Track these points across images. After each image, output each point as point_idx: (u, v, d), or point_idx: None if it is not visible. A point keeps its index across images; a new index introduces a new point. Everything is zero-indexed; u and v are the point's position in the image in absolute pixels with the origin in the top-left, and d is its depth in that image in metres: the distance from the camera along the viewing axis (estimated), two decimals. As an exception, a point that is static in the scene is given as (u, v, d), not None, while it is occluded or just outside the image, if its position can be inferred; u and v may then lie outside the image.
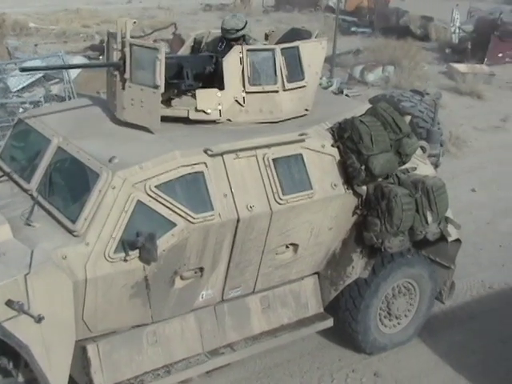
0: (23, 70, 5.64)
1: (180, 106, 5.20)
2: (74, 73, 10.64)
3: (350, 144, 5.19)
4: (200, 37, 5.94)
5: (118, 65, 4.96)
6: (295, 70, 5.42)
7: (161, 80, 4.75)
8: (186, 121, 5.14)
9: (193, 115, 5.13)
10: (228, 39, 5.59)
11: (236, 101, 5.21)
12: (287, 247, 5.29)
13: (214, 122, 5.19)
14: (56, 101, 10.13)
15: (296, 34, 5.88)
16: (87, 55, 14.90)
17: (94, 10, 24.59)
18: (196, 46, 5.89)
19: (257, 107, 5.29)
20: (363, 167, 5.16)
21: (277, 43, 5.76)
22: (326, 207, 5.24)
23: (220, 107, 5.16)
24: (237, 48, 5.17)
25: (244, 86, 5.20)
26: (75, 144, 4.78)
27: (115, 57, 4.98)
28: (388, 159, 5.22)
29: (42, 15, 23.12)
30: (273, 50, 5.28)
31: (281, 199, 4.96)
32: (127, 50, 4.83)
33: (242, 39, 5.62)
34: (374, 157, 5.14)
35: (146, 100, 4.87)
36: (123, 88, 4.95)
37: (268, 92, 5.29)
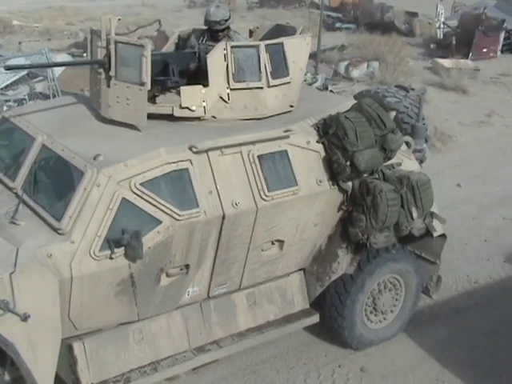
0: (8, 68, 5.58)
1: (164, 103, 5.18)
2: (58, 70, 10.59)
3: (335, 140, 5.20)
4: (184, 34, 5.94)
5: (102, 62, 4.93)
6: (280, 66, 5.42)
7: (147, 77, 4.73)
8: (170, 118, 5.13)
9: (177, 112, 5.12)
10: (213, 30, 5.60)
11: (220, 97, 5.21)
12: (273, 243, 5.30)
13: (198, 118, 5.19)
14: (40, 99, 10.10)
15: (281, 30, 5.90)
16: (71, 53, 14.81)
17: (78, 7, 24.44)
18: (180, 43, 5.89)
19: (241, 104, 5.29)
20: (348, 163, 5.17)
21: (261, 39, 5.77)
22: (312, 203, 5.25)
23: (204, 104, 5.16)
24: (221, 45, 5.18)
25: (228, 83, 5.20)
26: (60, 142, 4.77)
27: (99, 54, 4.96)
28: (373, 155, 5.24)
29: (25, 13, 22.94)
30: (257, 47, 5.27)
31: (266, 196, 4.97)
32: (112, 47, 4.80)
33: (227, 30, 5.64)
34: (359, 153, 5.15)
35: (131, 97, 4.85)
36: (108, 86, 4.92)
37: (252, 88, 5.29)
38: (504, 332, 6.52)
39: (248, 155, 4.93)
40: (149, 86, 4.79)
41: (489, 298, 7.10)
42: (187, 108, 5.12)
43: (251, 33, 6.23)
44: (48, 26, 20.54)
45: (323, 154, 5.27)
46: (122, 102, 4.90)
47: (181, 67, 5.25)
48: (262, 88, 5.32)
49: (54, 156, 4.75)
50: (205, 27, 5.77)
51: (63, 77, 10.69)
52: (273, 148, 5.05)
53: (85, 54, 15.43)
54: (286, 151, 5.10)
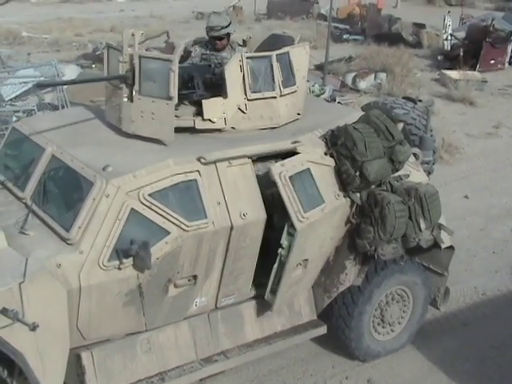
0: (39, 85, 5.48)
1: (183, 116, 5.20)
2: (67, 81, 10.63)
3: (344, 151, 5.21)
4: (187, 44, 5.96)
5: (125, 77, 4.91)
6: (288, 75, 5.52)
7: (174, 91, 4.75)
8: (191, 130, 5.16)
9: (199, 125, 5.16)
10: (213, 37, 5.65)
11: (239, 108, 5.27)
12: (299, 264, 5.24)
13: (219, 130, 5.23)
14: (49, 109, 10.14)
15: (277, 40, 5.95)
16: (80, 64, 14.93)
17: (87, 18, 24.64)
18: (185, 55, 5.91)
19: (258, 114, 5.36)
20: (358, 173, 5.18)
21: (257, 49, 5.82)
22: (332, 218, 5.24)
23: (225, 115, 5.21)
24: (237, 56, 5.23)
25: (246, 94, 5.26)
26: (69, 152, 4.80)
27: (121, 69, 4.93)
28: (382, 165, 5.25)
29: (34, 24, 23.15)
30: (270, 57, 5.36)
31: (303, 217, 4.96)
32: (136, 61, 4.80)
33: (227, 39, 5.70)
34: (368, 163, 5.16)
35: (157, 112, 4.85)
36: (131, 100, 4.92)
37: (267, 98, 5.37)
38: (512, 344, 6.50)
39: (279, 176, 4.89)
40: (176, 100, 4.80)
41: (497, 311, 7.06)
42: (209, 120, 5.16)
43: (244, 42, 6.25)
44: (57, 37, 20.72)
45: (334, 166, 5.29)
46: (147, 117, 4.89)
47: (203, 79, 5.30)
48: (275, 97, 5.40)
49: (64, 166, 4.78)
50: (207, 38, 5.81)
51: (72, 88, 10.73)
52: (298, 168, 5.04)
53: (93, 65, 15.58)
54: (308, 169, 5.11)
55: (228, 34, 5.73)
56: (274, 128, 5.46)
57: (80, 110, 5.76)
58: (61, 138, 5.05)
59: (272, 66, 5.32)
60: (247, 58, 5.23)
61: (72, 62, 15.46)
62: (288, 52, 5.51)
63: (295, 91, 5.58)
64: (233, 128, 5.28)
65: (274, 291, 5.18)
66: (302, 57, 5.67)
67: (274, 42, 5.92)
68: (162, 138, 4.95)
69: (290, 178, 4.94)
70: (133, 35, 4.87)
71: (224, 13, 5.89)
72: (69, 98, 10.06)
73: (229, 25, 5.67)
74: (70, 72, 11.62)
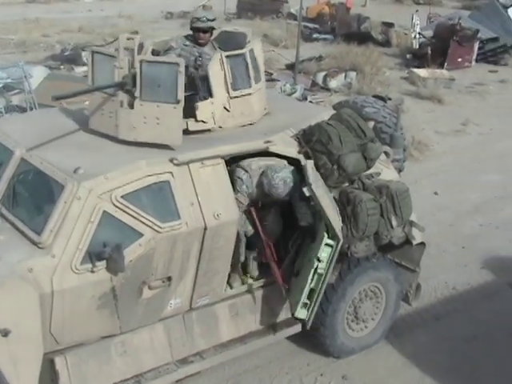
0: (58, 98, 5.23)
1: None
2: (35, 83, 10.53)
3: (320, 147, 5.25)
4: (159, 44, 5.91)
5: (123, 84, 4.79)
6: (256, 71, 5.60)
7: (182, 94, 4.71)
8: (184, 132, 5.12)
9: (192, 126, 5.16)
10: (197, 29, 5.59)
11: (224, 107, 5.31)
12: None
13: (209, 130, 5.26)
14: (17, 111, 10.01)
15: (228, 37, 5.90)
16: (48, 65, 14.75)
17: (54, 19, 24.29)
18: (155, 54, 5.87)
19: (239, 111, 5.43)
20: (336, 167, 5.23)
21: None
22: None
23: (213, 115, 5.25)
24: (217, 55, 5.26)
25: (228, 92, 5.30)
26: (39, 155, 4.74)
27: (117, 76, 4.80)
28: (358, 158, 5.31)
29: (0, 24, 22.77)
30: (244, 54, 5.43)
31: None
32: (137, 66, 4.70)
33: (211, 34, 5.70)
34: (344, 155, 5.22)
35: (162, 117, 4.78)
36: (131, 107, 4.81)
37: (245, 95, 5.44)
38: (482, 337, 6.60)
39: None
40: (183, 103, 4.74)
41: (467, 304, 7.18)
42: (202, 121, 5.18)
43: None
44: (23, 38, 20.38)
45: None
46: (151, 123, 4.80)
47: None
48: (250, 94, 5.47)
49: (33, 169, 4.72)
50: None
51: (40, 89, 10.63)
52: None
53: (62, 67, 15.40)
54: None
55: (212, 29, 5.70)
56: (251, 124, 5.53)
57: (49, 112, 5.71)
58: (30, 141, 4.97)
59: (247, 62, 5.40)
60: (226, 56, 5.28)
61: (40, 63, 15.23)
62: (253, 48, 5.59)
63: (262, 87, 5.69)
64: (220, 127, 5.31)
65: (307, 306, 5.18)
66: (260, 52, 5.77)
67: (226, 38, 5.88)
68: (170, 142, 4.88)
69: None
70: (131, 39, 4.79)
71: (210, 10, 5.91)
72: (37, 100, 9.94)
73: (214, 19, 5.68)
74: (38, 73, 11.46)
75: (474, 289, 7.51)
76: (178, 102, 4.73)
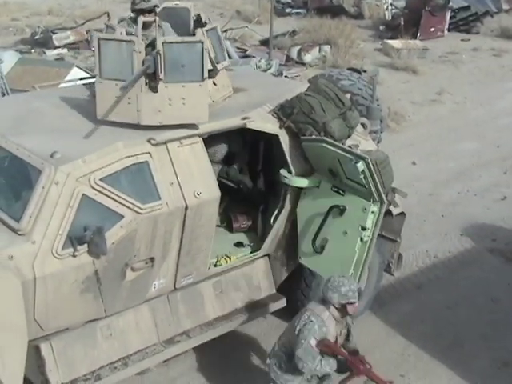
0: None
1: None
2: (6, 68, 10.33)
3: (302, 117, 5.27)
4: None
5: (146, 69, 4.65)
6: (223, 46, 5.63)
7: (206, 72, 4.70)
8: None
9: None
10: (140, 10, 5.33)
11: (213, 82, 5.33)
12: None
13: None
14: (-11, 97, 9.83)
15: (170, 13, 5.71)
16: (19, 49, 14.48)
17: (23, 2, 23.76)
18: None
19: (222, 84, 5.49)
20: (323, 134, 5.24)
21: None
22: None
23: (209, 92, 5.21)
24: (199, 31, 5.18)
25: (214, 66, 5.28)
26: (14, 141, 4.67)
27: (136, 60, 4.67)
28: (341, 124, 5.36)
29: (-33, 9, 22.28)
30: (215, 28, 5.50)
31: None
32: (160, 49, 4.60)
33: (154, 13, 5.46)
34: (329, 121, 5.27)
35: (188, 96, 4.74)
36: (156, 91, 4.71)
37: (222, 69, 5.47)
38: (464, 303, 6.71)
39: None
40: (208, 80, 4.76)
41: (448, 272, 7.28)
42: None
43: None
44: (-8, 23, 20.00)
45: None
46: (177, 104, 4.75)
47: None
48: (225, 67, 5.56)
49: (9, 155, 4.66)
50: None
51: (12, 74, 10.43)
52: None
53: (33, 51, 15.14)
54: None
55: (155, 8, 5.44)
56: (230, 96, 5.57)
57: (22, 97, 5.62)
58: (4, 127, 4.90)
59: (219, 36, 5.43)
60: (207, 30, 5.25)
61: (10, 47, 14.97)
62: (216, 26, 5.59)
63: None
64: (213, 102, 5.29)
65: (354, 277, 5.15)
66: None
67: (168, 14, 5.72)
68: (196, 121, 4.86)
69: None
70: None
71: None
72: (10, 86, 9.77)
73: None
74: (9, 58, 11.22)
75: (454, 256, 7.62)
76: (203, 79, 4.69)
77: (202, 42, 4.66)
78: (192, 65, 4.68)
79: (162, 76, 4.65)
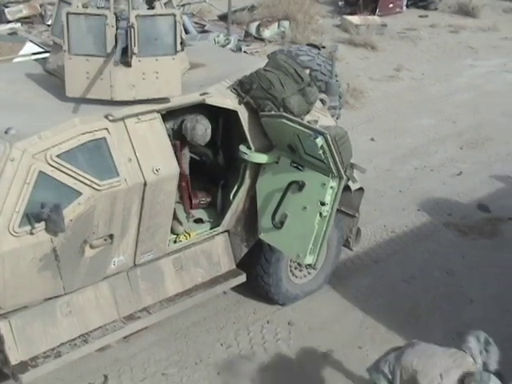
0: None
1: None
2: (-43, 42, 10.03)
3: (262, 93, 5.27)
4: None
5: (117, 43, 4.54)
6: None
7: (179, 44, 4.64)
8: None
9: None
10: None
11: None
12: None
13: None
14: None
15: None
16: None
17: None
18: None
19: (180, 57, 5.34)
20: (282, 110, 5.26)
21: None
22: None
23: None
24: (157, 4, 5.09)
25: (182, 39, 5.14)
26: (-34, 117, 4.56)
27: (109, 34, 4.54)
28: (300, 99, 5.37)
29: None
30: (171, 1, 5.48)
31: None
32: (134, 23, 4.49)
33: None
34: (289, 97, 5.28)
35: (162, 70, 4.67)
36: (128, 65, 4.60)
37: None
38: (420, 276, 6.87)
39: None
40: (181, 53, 4.69)
41: (405, 246, 7.43)
42: None
43: None
44: None
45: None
46: (150, 78, 4.67)
47: None
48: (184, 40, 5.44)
49: (-38, 133, 4.55)
50: None
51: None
52: None
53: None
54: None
55: None
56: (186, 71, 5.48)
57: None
58: (-44, 103, 4.78)
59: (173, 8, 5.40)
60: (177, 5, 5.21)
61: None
62: None
63: None
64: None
65: (313, 252, 5.21)
66: None
67: None
68: (170, 95, 4.82)
69: None
70: None
71: None
72: (-39, 60, 9.48)
73: None
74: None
75: (410, 231, 7.77)
76: (176, 52, 4.65)
77: (175, 15, 4.60)
78: (165, 38, 4.64)
79: (135, 50, 4.58)
